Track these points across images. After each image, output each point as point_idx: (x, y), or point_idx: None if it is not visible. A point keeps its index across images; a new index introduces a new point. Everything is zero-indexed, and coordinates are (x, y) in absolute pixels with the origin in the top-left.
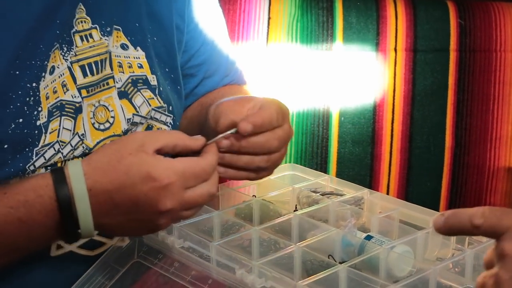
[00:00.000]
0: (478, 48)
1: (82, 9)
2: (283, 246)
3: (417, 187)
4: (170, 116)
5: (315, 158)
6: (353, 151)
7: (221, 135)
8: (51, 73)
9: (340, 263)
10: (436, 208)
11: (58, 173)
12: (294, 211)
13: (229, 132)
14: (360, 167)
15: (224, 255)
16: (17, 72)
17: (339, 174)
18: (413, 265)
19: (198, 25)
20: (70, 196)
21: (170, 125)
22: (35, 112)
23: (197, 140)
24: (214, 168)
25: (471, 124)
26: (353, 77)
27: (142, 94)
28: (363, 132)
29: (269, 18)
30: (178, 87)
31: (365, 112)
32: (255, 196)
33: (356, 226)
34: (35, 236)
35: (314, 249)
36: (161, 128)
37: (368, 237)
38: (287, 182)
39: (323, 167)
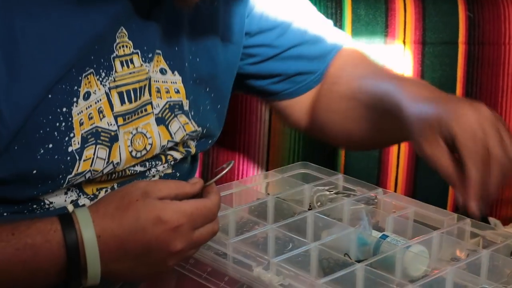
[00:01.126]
0: (487, 41)
1: (124, 33)
2: (298, 244)
3: (425, 180)
4: (202, 138)
5: (323, 151)
6: None
7: (219, 175)
8: (86, 98)
9: (356, 261)
10: (445, 201)
11: (66, 218)
12: (309, 209)
13: (226, 169)
14: (368, 160)
15: (241, 252)
16: (49, 96)
17: (347, 168)
18: (428, 265)
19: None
20: (78, 241)
21: (196, 141)
22: (67, 138)
23: (195, 185)
24: (219, 207)
25: None
26: None
27: (178, 120)
28: None
29: None
30: (219, 106)
31: None
32: (269, 194)
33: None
34: (38, 280)
35: (329, 247)
36: (187, 143)
37: (384, 236)
38: (299, 180)
39: (331, 160)
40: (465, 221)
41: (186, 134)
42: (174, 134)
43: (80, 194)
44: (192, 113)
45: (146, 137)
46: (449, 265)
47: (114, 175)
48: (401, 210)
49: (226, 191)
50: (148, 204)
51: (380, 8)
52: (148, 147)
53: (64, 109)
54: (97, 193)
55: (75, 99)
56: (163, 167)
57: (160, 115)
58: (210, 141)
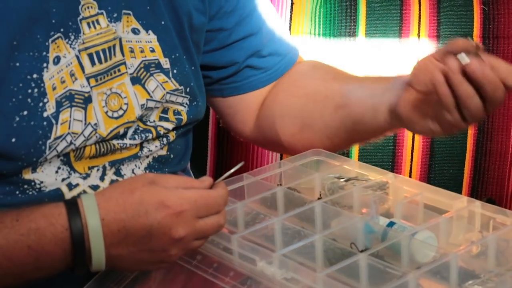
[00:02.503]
0: (502, 35)
1: None
2: (305, 235)
3: (439, 174)
4: (187, 97)
5: None
6: None
7: (227, 173)
8: (56, 63)
9: (363, 250)
10: (460, 185)
11: (72, 203)
12: (318, 198)
13: (237, 166)
14: (382, 153)
15: (246, 246)
16: (17, 64)
17: (361, 161)
18: (437, 250)
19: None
20: (83, 227)
21: (186, 105)
22: (41, 104)
23: (204, 182)
24: (225, 201)
25: (493, 110)
26: (376, 63)
27: (155, 78)
28: None
29: (292, 4)
30: (193, 68)
31: None
32: (281, 184)
33: (381, 211)
34: (43, 264)
35: (337, 236)
36: (177, 110)
37: (391, 224)
38: (313, 168)
39: (345, 154)
40: (475, 204)
41: (167, 93)
42: (153, 92)
43: (71, 172)
44: (175, 71)
45: (121, 97)
46: (455, 250)
47: (103, 149)
48: (412, 195)
49: (237, 183)
50: (152, 189)
51: (394, 2)
52: (124, 107)
53: (35, 76)
54: (89, 172)
55: (45, 65)
56: (156, 146)
57: (135, 74)
58: (199, 104)
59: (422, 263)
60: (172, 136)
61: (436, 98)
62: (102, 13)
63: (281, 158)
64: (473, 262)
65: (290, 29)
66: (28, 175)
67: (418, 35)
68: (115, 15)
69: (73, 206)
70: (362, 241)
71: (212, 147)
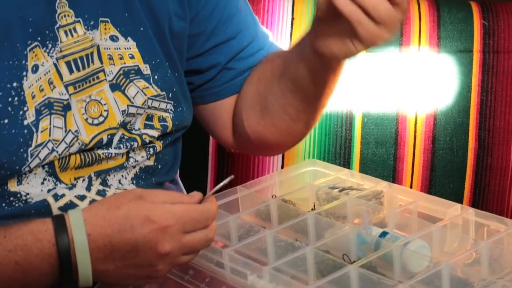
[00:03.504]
0: (502, 49)
1: (64, 2)
2: (297, 247)
3: (440, 189)
4: (171, 103)
5: (338, 159)
6: (376, 152)
7: (216, 187)
8: (34, 71)
9: (355, 261)
10: (461, 196)
11: (59, 219)
12: (312, 209)
13: (226, 180)
14: (383, 168)
15: (238, 260)
16: None
17: (363, 165)
18: (430, 259)
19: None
20: (70, 242)
21: (171, 112)
22: (21, 112)
23: (194, 197)
24: (213, 215)
25: (494, 125)
26: (376, 77)
27: (135, 85)
28: (386, 133)
29: (292, 19)
30: (176, 74)
31: (388, 113)
32: (275, 196)
33: (375, 221)
34: (31, 280)
35: (330, 248)
36: (161, 116)
37: (383, 234)
38: (308, 178)
39: (346, 158)
40: (469, 211)
41: (148, 98)
42: (133, 98)
43: (56, 183)
44: (156, 76)
45: (101, 103)
46: (448, 259)
47: (88, 159)
48: (406, 204)
49: (231, 196)
50: (139, 204)
51: None
52: (104, 114)
53: (15, 84)
54: (74, 182)
55: (24, 73)
56: (142, 157)
57: (114, 81)
58: (184, 110)
59: (415, 272)
60: (159, 146)
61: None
62: (79, 21)
63: (282, 167)
64: (467, 270)
65: (290, 43)
66: (14, 187)
67: (419, 49)
68: (92, 22)
69: (60, 222)
70: (355, 252)
71: (213, 159)
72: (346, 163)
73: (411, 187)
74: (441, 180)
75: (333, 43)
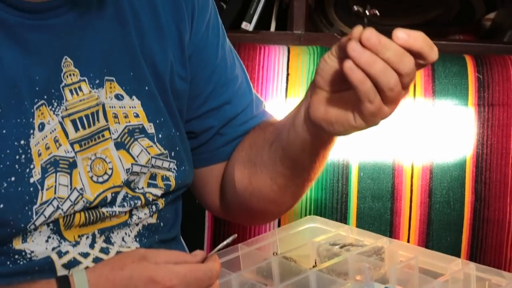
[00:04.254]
0: (497, 102)
1: (69, 62)
2: None
3: (437, 242)
4: (174, 162)
5: (335, 214)
6: (372, 207)
7: (219, 246)
8: (41, 130)
9: None
10: (458, 250)
11: (63, 281)
12: (313, 266)
13: (229, 239)
14: (380, 222)
15: None
16: (4, 131)
17: (359, 219)
18: None
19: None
20: None
21: (174, 171)
22: (27, 170)
23: (196, 256)
24: (217, 274)
25: (490, 178)
26: (371, 131)
27: (140, 143)
28: (382, 187)
29: (287, 75)
30: (178, 133)
31: (384, 166)
32: (276, 253)
33: (376, 277)
34: None
35: None
36: (165, 175)
37: None
38: (308, 235)
39: (343, 213)
40: (470, 266)
41: (152, 157)
42: (137, 157)
43: (61, 241)
44: (160, 135)
45: (106, 162)
46: None
47: (92, 217)
48: (407, 259)
49: (232, 254)
50: (142, 265)
51: None
52: (109, 172)
53: (22, 142)
54: (78, 239)
55: (31, 131)
56: (145, 214)
57: (119, 140)
58: (187, 169)
59: None
60: (161, 203)
61: (350, 90)
62: (84, 80)
63: (279, 225)
64: None
65: (286, 98)
66: (18, 245)
67: (414, 103)
68: (97, 81)
69: (64, 283)
70: None
71: (210, 216)
72: (343, 218)
73: (408, 241)
74: (439, 233)
75: (330, 114)
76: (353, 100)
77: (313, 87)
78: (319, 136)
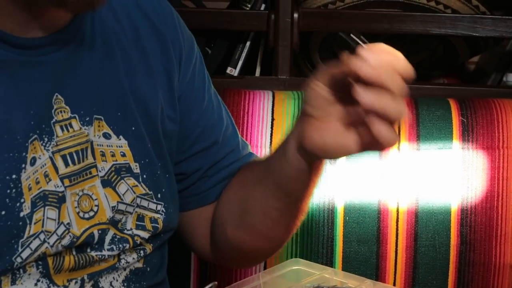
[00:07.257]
0: (481, 146)
1: (60, 99)
2: None
3: (423, 286)
4: (161, 204)
5: (320, 258)
6: (358, 251)
7: None
8: (32, 164)
9: None
10: None
11: None
12: None
13: (208, 286)
14: (366, 266)
15: None
16: None
17: (345, 263)
18: None
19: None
20: None
21: (163, 213)
22: (18, 204)
23: None
24: None
25: (475, 221)
26: (356, 175)
27: (126, 182)
28: (368, 231)
29: (272, 119)
30: (167, 175)
31: (369, 211)
32: None
33: None
34: None
35: None
36: (153, 217)
37: None
38: (293, 277)
39: (328, 256)
40: None
41: (137, 196)
42: (123, 195)
43: (50, 285)
44: (145, 176)
45: (92, 198)
46: None
47: (82, 261)
48: None
49: None
50: None
51: None
52: (95, 208)
53: (14, 176)
54: (67, 284)
55: (23, 165)
56: (133, 258)
57: (106, 177)
58: (171, 212)
59: None
60: (149, 248)
61: (340, 115)
62: (75, 117)
63: (265, 267)
64: None
65: (271, 143)
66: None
67: (398, 148)
68: (87, 118)
69: None
70: None
71: (195, 260)
72: (329, 262)
73: (394, 284)
74: (424, 277)
75: (326, 141)
76: (350, 123)
77: (303, 116)
78: (312, 163)
